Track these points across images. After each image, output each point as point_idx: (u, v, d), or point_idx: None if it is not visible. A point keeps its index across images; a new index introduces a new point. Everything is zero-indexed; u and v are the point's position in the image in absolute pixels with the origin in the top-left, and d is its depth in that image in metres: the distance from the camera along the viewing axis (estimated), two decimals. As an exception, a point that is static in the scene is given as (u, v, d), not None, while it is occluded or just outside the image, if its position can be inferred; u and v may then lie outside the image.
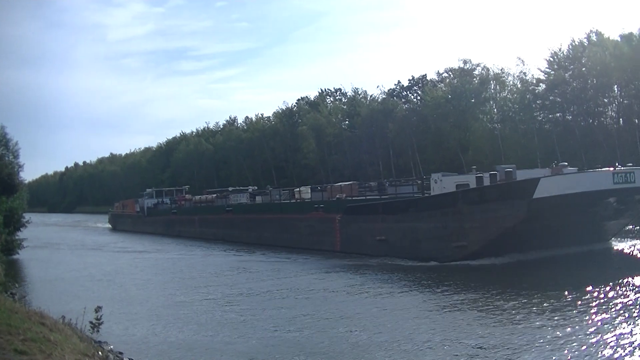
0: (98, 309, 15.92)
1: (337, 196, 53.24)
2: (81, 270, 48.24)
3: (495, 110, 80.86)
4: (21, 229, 58.02)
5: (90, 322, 15.86)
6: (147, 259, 56.47)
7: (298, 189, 62.86)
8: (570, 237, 36.46)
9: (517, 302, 25.55)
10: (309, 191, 60.13)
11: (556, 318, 22.10)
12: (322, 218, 51.49)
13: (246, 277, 39.55)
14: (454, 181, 42.12)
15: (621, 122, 68.63)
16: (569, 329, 20.43)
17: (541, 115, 74.41)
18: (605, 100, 70.22)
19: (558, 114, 72.94)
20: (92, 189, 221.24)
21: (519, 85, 77.57)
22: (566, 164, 43.04)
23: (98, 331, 15.90)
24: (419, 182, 49.23)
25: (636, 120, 66.69)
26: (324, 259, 45.36)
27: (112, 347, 18.38)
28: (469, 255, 36.96)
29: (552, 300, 25.10)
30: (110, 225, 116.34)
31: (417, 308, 26.35)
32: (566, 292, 26.29)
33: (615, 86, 68.13)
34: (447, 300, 27.60)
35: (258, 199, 68.81)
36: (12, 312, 14.85)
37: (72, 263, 54.22)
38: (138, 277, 42.89)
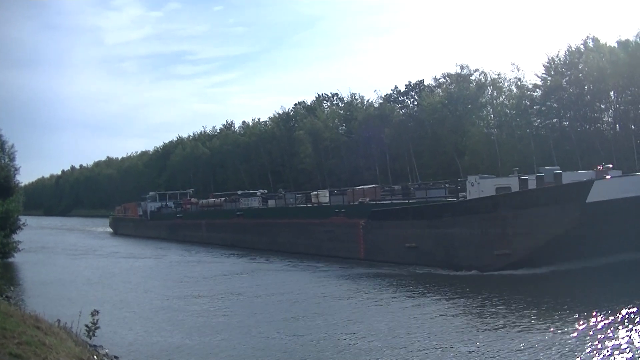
0: (95, 313, 15.85)
1: (360, 200, 50.69)
2: (79, 274, 47.32)
3: (492, 115, 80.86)
4: (17, 231, 57.96)
5: (86, 326, 15.80)
6: (152, 265, 54.89)
7: (315, 193, 60.09)
8: (624, 243, 34.02)
9: (579, 321, 22.88)
10: (327, 195, 57.35)
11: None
12: (344, 223, 48.86)
13: (262, 287, 37.19)
14: (493, 184, 39.75)
15: (617, 127, 68.67)
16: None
17: (538, 120, 74.42)
18: (602, 106, 70.27)
19: (555, 120, 72.99)
20: (89, 192, 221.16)
21: (516, 91, 77.60)
22: (610, 166, 40.94)
23: (94, 335, 15.83)
24: (451, 185, 47.03)
25: (632, 126, 66.71)
26: (347, 267, 42.97)
27: (107, 351, 18.32)
28: (513, 264, 34.79)
29: (620, 317, 22.76)
30: (111, 230, 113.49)
31: (462, 324, 24.19)
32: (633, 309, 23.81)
33: (612, 92, 68.15)
34: (496, 317, 24.93)
35: (270, 202, 66.42)
36: (7, 316, 14.79)
37: (70, 268, 53.18)
38: (143, 284, 41.51)
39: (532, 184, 36.89)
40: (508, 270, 34.69)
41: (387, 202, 48.97)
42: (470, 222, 37.58)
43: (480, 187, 39.45)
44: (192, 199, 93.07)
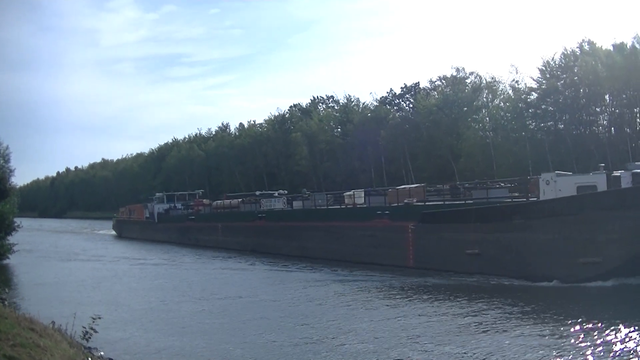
0: (96, 318, 15.79)
1: (406, 201, 45.33)
2: (90, 281, 44.22)
3: (487, 118, 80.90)
4: (12, 233, 57.85)
5: (83, 327, 15.75)
6: (168, 273, 49.79)
7: (349, 193, 54.43)
8: None
9: None
10: (362, 195, 52.34)
11: None
12: (388, 227, 43.95)
13: (298, 303, 32.30)
14: (574, 182, 35.40)
15: (613, 131, 68.79)
16: None
17: (533, 123, 74.51)
18: (597, 109, 70.38)
19: (550, 123, 73.06)
20: (84, 194, 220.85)
21: (511, 94, 77.68)
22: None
23: (90, 338, 15.77)
24: (517, 184, 42.66)
25: (628, 129, 66.88)
26: (393, 276, 38.60)
27: (102, 353, 18.24)
28: (604, 275, 30.85)
29: None
30: (114, 232, 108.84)
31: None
32: None
33: (607, 95, 68.30)
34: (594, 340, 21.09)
35: (296, 204, 61.46)
36: (1, 318, 14.72)
37: (79, 274, 49.90)
38: (162, 295, 37.69)
39: (626, 182, 33.48)
40: (597, 282, 30.75)
41: (437, 202, 44.11)
42: (548, 225, 33.30)
43: (557, 185, 35.18)
44: (205, 200, 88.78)
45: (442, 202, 43.61)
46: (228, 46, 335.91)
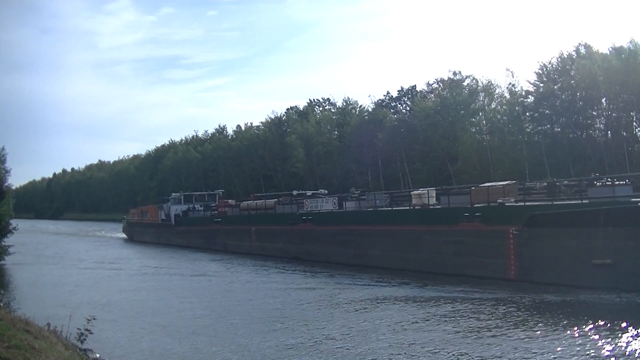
0: (90, 319, 15.71)
1: (499, 200, 38.02)
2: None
3: (484, 121, 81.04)
4: (8, 235, 57.67)
5: (78, 329, 15.69)
6: (201, 287, 40.48)
7: (417, 192, 46.36)
8: None
9: None
10: (434, 194, 45.15)
11: None
12: (480, 231, 36.82)
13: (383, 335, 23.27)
14: None
15: (609, 134, 68.91)
16: None
17: (530, 127, 74.67)
18: (594, 112, 70.49)
19: (547, 126, 73.20)
20: (80, 196, 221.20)
21: (508, 97, 77.83)
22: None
23: (85, 339, 15.70)
24: None
25: (624, 133, 66.99)
26: (494, 290, 31.81)
27: (98, 355, 18.14)
28: None
29: None
30: (125, 236, 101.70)
31: None
32: None
33: (604, 99, 68.40)
34: None
35: (348, 205, 52.56)
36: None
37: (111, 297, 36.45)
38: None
39: None
40: None
41: (541, 202, 36.78)
42: None
43: None
44: (230, 200, 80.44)
45: (550, 202, 36.17)
46: (225, 48, 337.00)
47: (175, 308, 31.75)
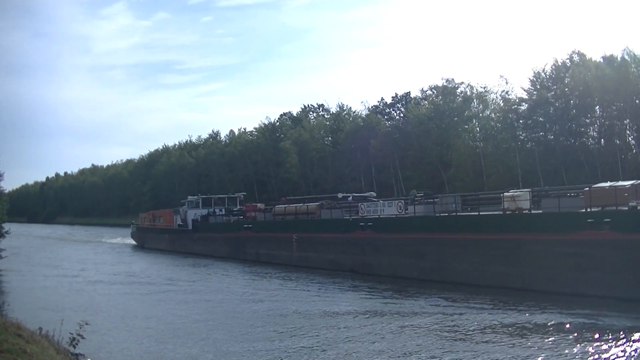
0: (83, 324, 15.63)
1: (632, 204, 31.22)
2: None
3: (477, 128, 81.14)
4: (0, 239, 57.43)
5: (70, 333, 15.63)
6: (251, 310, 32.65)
7: (510, 194, 37.98)
8: None
9: None
10: (528, 197, 37.11)
11: None
12: (610, 241, 30.02)
13: None
14: None
15: (602, 142, 69.03)
16: None
17: (523, 134, 74.78)
18: (587, 120, 70.55)
19: (540, 133, 73.30)
20: (73, 200, 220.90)
21: (502, 104, 77.94)
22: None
23: (77, 344, 15.65)
24: None
25: (617, 141, 67.08)
26: (628, 316, 25.59)
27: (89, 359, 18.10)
28: None
29: None
30: (134, 242, 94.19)
31: None
32: None
33: (597, 107, 68.47)
34: None
35: (416, 209, 44.49)
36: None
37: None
38: None
39: None
40: None
41: None
42: None
43: None
44: (259, 204, 71.75)
45: None
46: (220, 54, 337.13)
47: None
